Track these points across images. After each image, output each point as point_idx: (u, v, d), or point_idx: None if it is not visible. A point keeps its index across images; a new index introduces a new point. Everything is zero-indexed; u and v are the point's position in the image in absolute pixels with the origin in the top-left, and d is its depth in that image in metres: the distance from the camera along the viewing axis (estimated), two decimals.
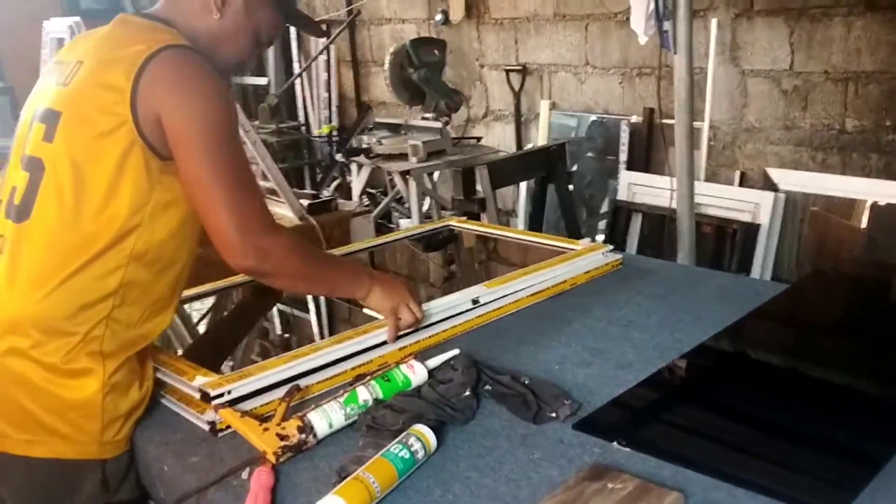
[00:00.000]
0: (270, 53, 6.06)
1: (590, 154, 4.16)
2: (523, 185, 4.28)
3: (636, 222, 3.67)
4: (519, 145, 4.39)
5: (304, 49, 5.94)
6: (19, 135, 1.47)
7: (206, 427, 1.34)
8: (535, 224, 3.36)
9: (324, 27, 5.69)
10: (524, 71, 4.32)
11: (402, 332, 1.56)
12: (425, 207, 4.09)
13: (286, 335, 2.15)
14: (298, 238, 1.48)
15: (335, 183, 5.11)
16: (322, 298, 2.14)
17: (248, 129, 2.68)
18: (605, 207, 4.11)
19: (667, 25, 2.79)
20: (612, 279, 1.91)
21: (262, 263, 1.36)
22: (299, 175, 5.50)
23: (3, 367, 1.34)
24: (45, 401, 1.33)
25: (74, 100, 1.38)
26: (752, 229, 3.25)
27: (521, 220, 4.27)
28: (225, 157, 1.34)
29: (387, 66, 3.84)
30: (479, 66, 4.61)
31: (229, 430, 1.33)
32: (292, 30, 5.90)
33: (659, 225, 3.54)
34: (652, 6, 2.71)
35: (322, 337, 2.05)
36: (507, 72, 4.38)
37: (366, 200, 4.49)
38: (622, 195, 3.74)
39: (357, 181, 4.11)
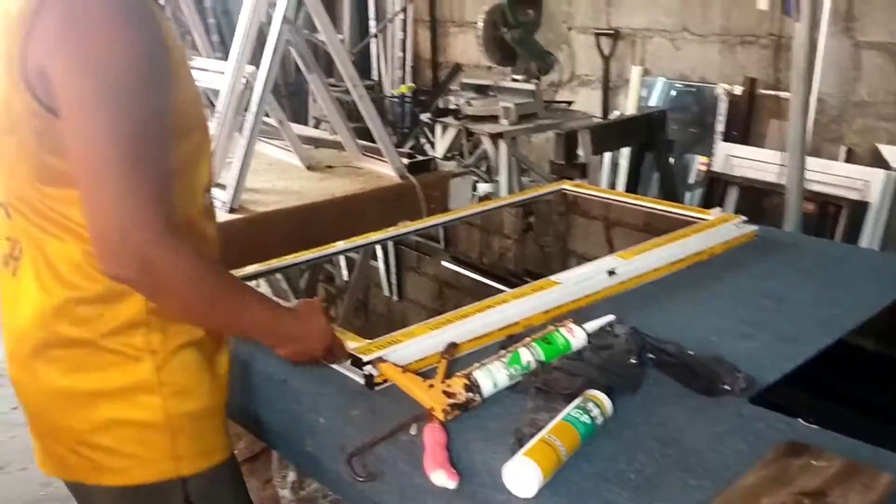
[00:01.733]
0: (346, 11, 6.00)
1: (672, 126, 4.05)
2: (607, 154, 4.19)
3: (732, 195, 3.56)
4: (605, 112, 4.29)
5: (381, 7, 5.87)
6: None
7: (361, 381, 1.31)
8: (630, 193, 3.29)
9: None
10: (616, 35, 4.21)
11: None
12: (505, 172, 4.03)
13: (347, 280, 2.10)
14: (202, 256, 1.10)
15: (409, 144, 5.06)
16: (391, 245, 2.06)
17: (356, 83, 2.63)
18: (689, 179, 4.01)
19: None
20: (750, 251, 1.84)
21: (142, 277, 1.04)
22: (369, 136, 5.44)
23: (43, 385, 1.18)
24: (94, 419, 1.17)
25: None
26: (860, 207, 3.13)
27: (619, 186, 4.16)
28: (121, 121, 1.00)
29: (480, 24, 3.76)
30: (566, 29, 4.50)
31: (385, 385, 1.30)
32: None
33: (756, 199, 3.44)
34: None
35: (390, 287, 2.03)
36: (598, 35, 4.27)
37: None
38: (718, 167, 3.64)
39: (441, 143, 4.05)
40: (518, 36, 3.69)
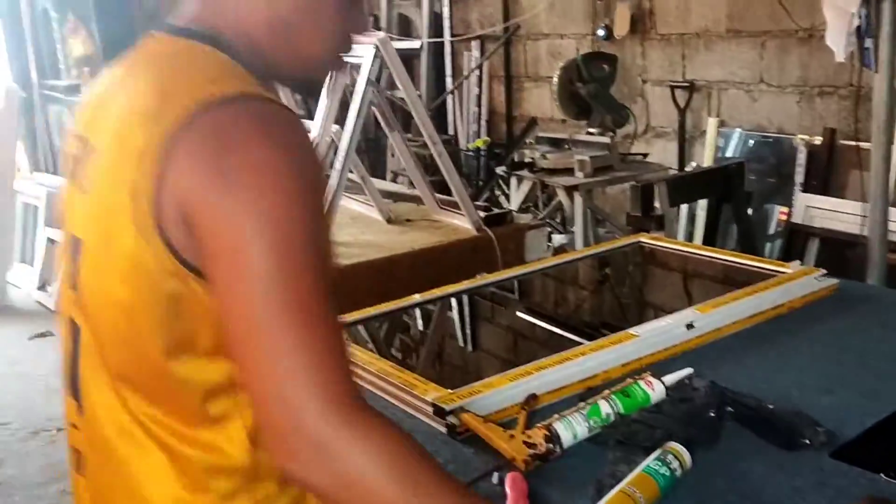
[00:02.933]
0: (423, 68, 6.19)
1: (750, 177, 4.03)
2: (684, 206, 4.19)
3: (813, 246, 3.51)
4: (681, 164, 4.29)
5: (457, 64, 6.03)
6: (60, 254, 1.02)
7: (444, 430, 1.36)
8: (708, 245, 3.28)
9: (478, 43, 5.77)
10: (691, 87, 4.23)
11: None
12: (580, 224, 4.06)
13: (425, 331, 2.15)
14: (404, 436, 0.85)
15: (484, 196, 5.15)
16: (468, 297, 2.05)
17: (435, 140, 2.73)
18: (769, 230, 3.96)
19: (868, 43, 2.68)
20: (831, 305, 1.82)
21: (315, 472, 0.79)
22: (446, 189, 5.58)
23: None
24: None
25: (94, 219, 0.91)
26: None
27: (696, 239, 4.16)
28: (298, 281, 0.79)
29: (555, 80, 3.84)
30: (641, 82, 4.54)
31: (466, 434, 1.34)
32: (447, 44, 6.00)
33: (838, 250, 3.39)
34: (855, 23, 2.60)
35: (465, 338, 2.07)
36: (672, 88, 4.30)
37: None
38: (798, 218, 3.60)
39: (516, 195, 4.13)
40: (593, 90, 3.76)
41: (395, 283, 2.47)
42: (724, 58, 4.07)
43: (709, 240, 3.39)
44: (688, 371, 1.44)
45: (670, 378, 1.41)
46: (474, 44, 5.81)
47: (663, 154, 4.44)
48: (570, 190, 3.60)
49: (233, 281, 0.80)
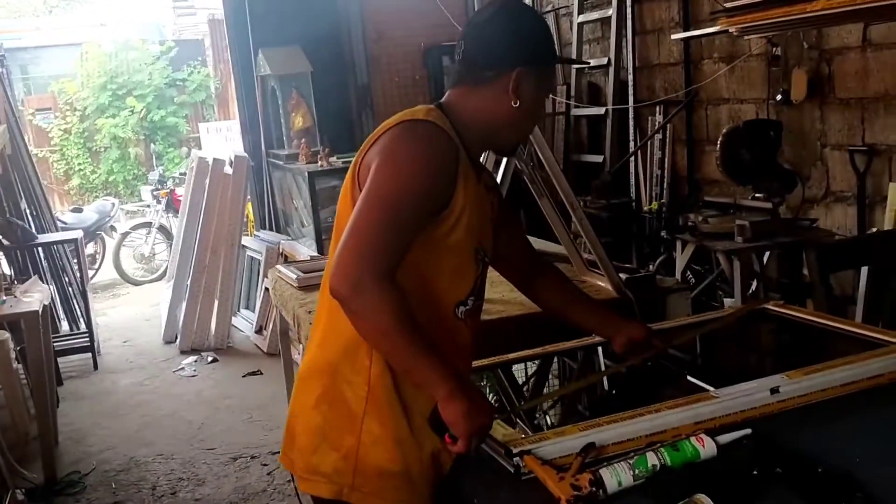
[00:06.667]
0: (608, 132, 6.35)
1: None
2: (864, 272, 4.01)
3: None
4: (861, 230, 4.12)
5: (641, 128, 6.14)
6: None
7: (512, 470, 1.54)
8: (871, 316, 3.15)
9: (662, 108, 5.86)
10: (871, 152, 4.08)
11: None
12: (753, 288, 4.02)
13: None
14: (401, 305, 1.52)
15: (660, 258, 5.18)
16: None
17: (575, 206, 2.91)
18: None
19: None
20: None
21: (351, 297, 1.50)
22: (626, 249, 5.65)
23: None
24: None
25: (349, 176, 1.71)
26: None
27: (859, 310, 3.98)
28: (379, 214, 1.53)
29: (718, 146, 3.88)
30: (819, 146, 4.43)
31: (531, 475, 1.51)
32: (630, 112, 6.14)
33: None
34: None
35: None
36: (851, 152, 4.16)
37: (690, 276, 4.51)
38: None
39: (680, 258, 4.16)
40: (756, 156, 3.76)
41: (535, 336, 2.62)
42: None
43: (872, 310, 3.25)
44: (745, 431, 1.52)
45: (725, 437, 1.50)
46: (658, 109, 5.90)
47: (843, 219, 4.28)
48: (728, 254, 3.61)
49: (363, 197, 1.57)
